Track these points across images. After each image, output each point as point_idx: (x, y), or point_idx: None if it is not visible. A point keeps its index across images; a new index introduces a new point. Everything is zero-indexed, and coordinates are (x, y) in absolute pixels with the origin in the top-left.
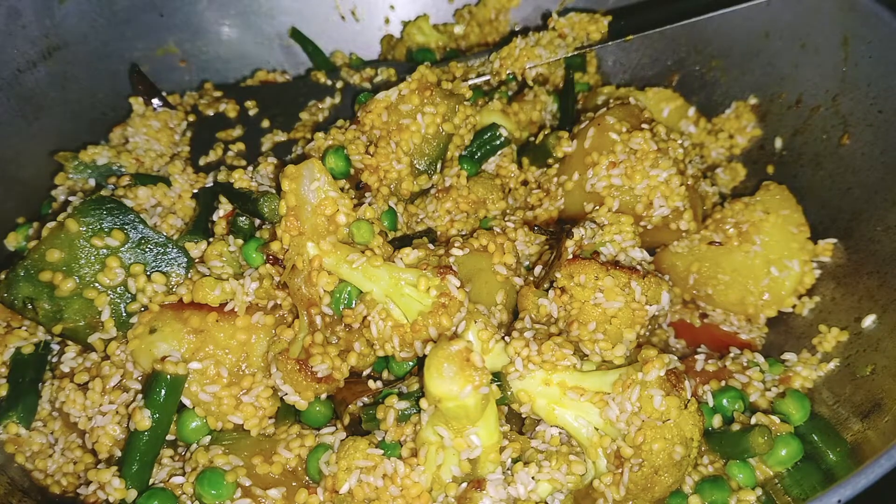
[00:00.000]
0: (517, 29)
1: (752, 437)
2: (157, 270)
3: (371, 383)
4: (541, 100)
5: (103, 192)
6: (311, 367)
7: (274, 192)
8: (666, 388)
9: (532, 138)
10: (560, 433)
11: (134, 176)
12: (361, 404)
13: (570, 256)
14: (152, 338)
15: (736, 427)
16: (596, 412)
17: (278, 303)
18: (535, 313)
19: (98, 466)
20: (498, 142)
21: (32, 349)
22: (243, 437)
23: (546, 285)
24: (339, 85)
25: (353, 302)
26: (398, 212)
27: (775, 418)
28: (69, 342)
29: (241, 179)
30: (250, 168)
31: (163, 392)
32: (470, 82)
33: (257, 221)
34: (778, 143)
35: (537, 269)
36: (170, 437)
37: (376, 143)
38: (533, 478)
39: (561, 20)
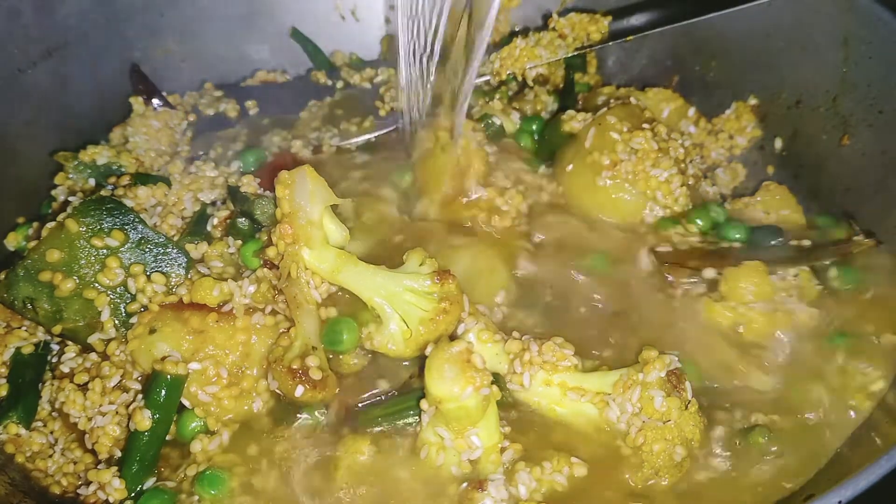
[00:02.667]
0: (517, 29)
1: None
2: (156, 271)
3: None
4: (541, 100)
5: (103, 192)
6: (307, 373)
7: (269, 195)
8: (667, 388)
9: None
10: None
11: (134, 176)
12: (360, 404)
13: None
14: (152, 338)
15: None
16: (596, 413)
17: (275, 308)
18: None
19: (98, 467)
20: (490, 130)
21: (32, 349)
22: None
23: None
24: (339, 85)
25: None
26: None
27: None
28: (69, 342)
29: (249, 185)
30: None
31: (163, 392)
32: None
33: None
34: (778, 143)
35: None
36: (168, 437)
37: None
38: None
39: (561, 20)
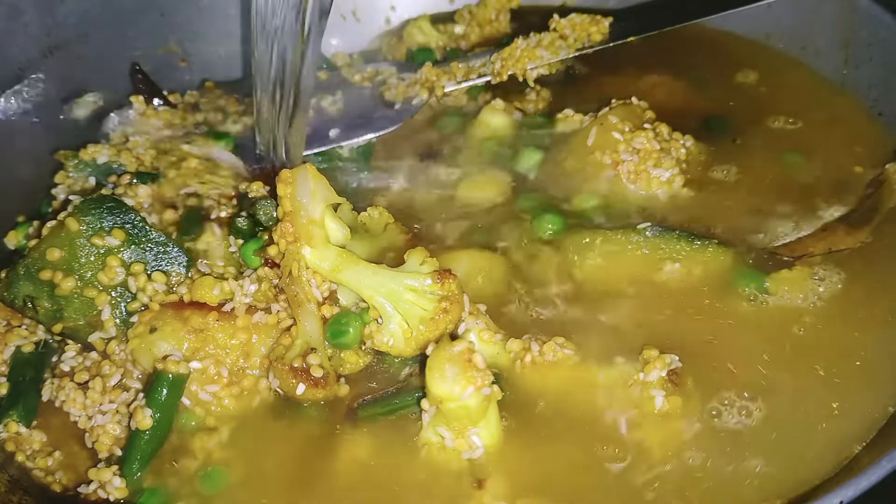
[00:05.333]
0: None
1: None
2: (157, 269)
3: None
4: (542, 98)
5: (104, 191)
6: (308, 372)
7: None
8: (668, 388)
9: None
10: None
11: (134, 174)
12: (360, 403)
13: None
14: (153, 337)
15: None
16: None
17: (277, 308)
18: None
19: (98, 465)
20: None
21: (33, 348)
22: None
23: None
24: (339, 85)
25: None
26: None
27: None
28: (69, 341)
29: (258, 191)
30: None
31: (164, 391)
32: (470, 83)
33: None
34: None
35: None
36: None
37: None
38: None
39: (562, 21)
